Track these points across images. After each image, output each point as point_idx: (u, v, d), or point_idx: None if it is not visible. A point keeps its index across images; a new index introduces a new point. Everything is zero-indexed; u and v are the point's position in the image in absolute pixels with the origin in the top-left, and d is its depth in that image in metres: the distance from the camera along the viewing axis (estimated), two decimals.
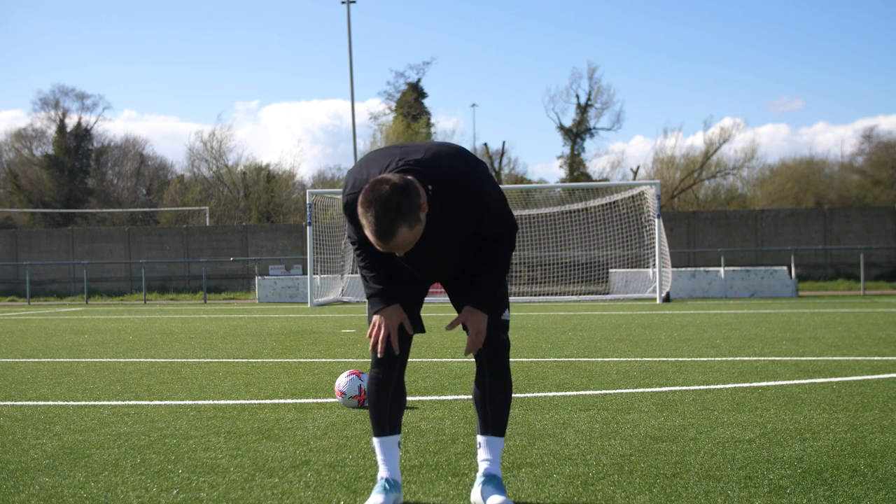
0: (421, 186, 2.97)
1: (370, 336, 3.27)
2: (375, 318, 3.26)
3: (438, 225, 3.07)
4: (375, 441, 3.42)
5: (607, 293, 23.12)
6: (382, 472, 3.37)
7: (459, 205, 3.06)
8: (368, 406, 3.42)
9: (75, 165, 50.97)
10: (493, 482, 3.31)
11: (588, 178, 46.95)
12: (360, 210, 2.89)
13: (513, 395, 5.76)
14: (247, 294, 28.37)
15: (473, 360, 3.43)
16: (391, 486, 3.32)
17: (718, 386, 6.13)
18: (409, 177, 2.95)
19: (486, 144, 50.84)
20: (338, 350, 9.19)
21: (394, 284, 3.28)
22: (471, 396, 3.45)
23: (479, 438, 3.43)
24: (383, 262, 3.29)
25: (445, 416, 5.11)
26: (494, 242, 3.26)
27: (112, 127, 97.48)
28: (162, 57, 79.51)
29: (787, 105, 74.01)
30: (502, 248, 3.28)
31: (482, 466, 3.38)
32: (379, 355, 3.27)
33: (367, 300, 3.31)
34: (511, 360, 7.82)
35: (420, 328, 3.41)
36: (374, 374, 3.39)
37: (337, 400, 5.55)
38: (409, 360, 7.86)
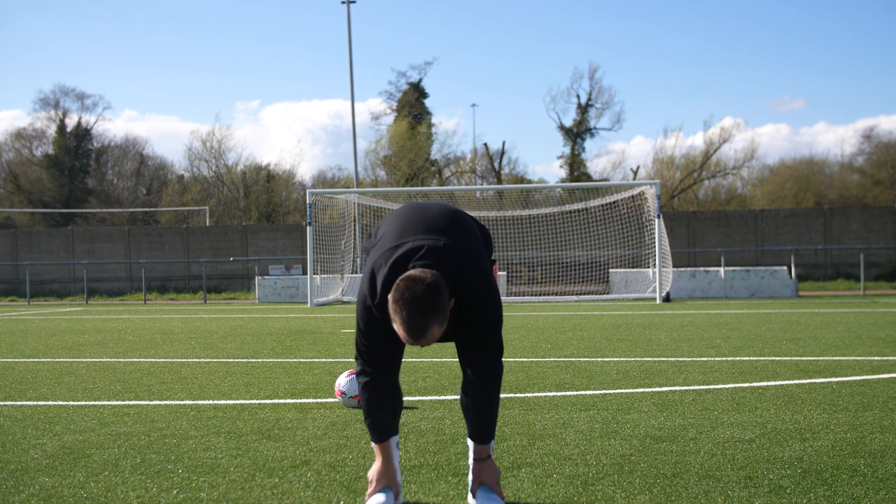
0: (445, 283, 3.03)
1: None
2: (372, 475, 3.33)
3: (451, 321, 3.17)
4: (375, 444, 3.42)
5: (607, 293, 23.12)
6: None
7: (473, 308, 3.17)
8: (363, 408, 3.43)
9: (75, 165, 50.97)
10: (483, 484, 3.32)
11: (588, 178, 46.94)
12: (391, 306, 2.96)
13: (510, 395, 5.79)
14: (247, 294, 28.38)
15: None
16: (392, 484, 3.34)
17: (718, 386, 6.13)
18: (437, 273, 3.02)
19: (486, 144, 50.81)
20: (338, 350, 9.19)
21: (389, 410, 3.34)
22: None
23: (469, 441, 3.44)
24: (383, 386, 3.32)
25: (445, 416, 5.11)
26: (485, 370, 3.28)
27: (112, 127, 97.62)
28: (162, 57, 79.59)
29: (789, 105, 74.08)
30: (494, 375, 3.30)
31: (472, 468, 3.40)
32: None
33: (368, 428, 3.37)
34: (511, 359, 7.83)
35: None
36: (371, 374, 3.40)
37: (337, 400, 5.55)
38: (410, 360, 7.86)
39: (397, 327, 2.97)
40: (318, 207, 22.80)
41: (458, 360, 3.47)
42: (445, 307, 2.97)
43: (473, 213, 23.02)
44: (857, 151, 46.22)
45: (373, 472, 3.35)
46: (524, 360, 7.92)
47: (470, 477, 3.38)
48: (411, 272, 3.00)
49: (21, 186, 50.01)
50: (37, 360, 8.79)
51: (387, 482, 3.32)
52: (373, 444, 3.38)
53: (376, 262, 3.21)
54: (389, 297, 2.98)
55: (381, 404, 3.32)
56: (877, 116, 73.86)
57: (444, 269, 3.09)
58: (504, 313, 15.86)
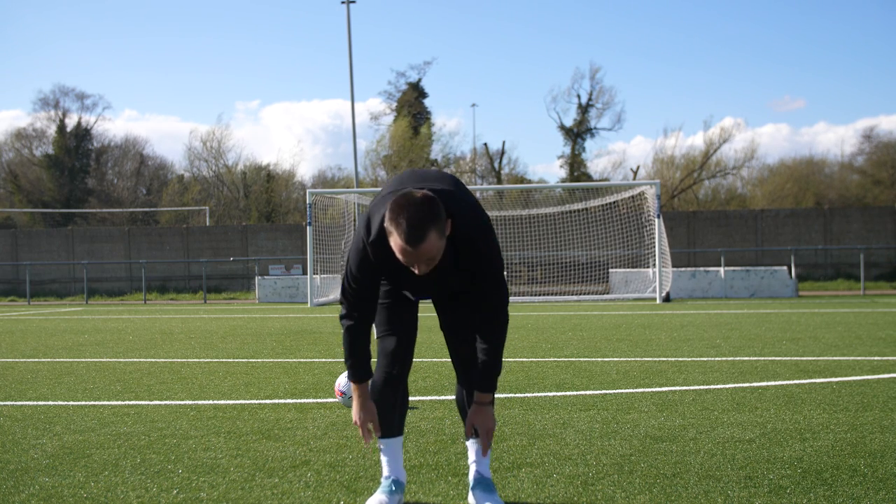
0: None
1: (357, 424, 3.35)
2: (354, 416, 3.31)
3: (446, 261, 3.12)
4: (381, 442, 3.41)
5: (607, 293, 23.11)
6: (387, 473, 3.37)
7: (467, 248, 3.12)
8: (376, 406, 3.42)
9: (75, 165, 50.97)
10: (482, 484, 3.32)
11: (588, 178, 46.95)
12: (388, 218, 2.90)
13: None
14: (247, 294, 28.38)
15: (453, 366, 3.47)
16: (397, 486, 3.33)
17: (718, 386, 6.13)
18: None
19: (485, 144, 50.81)
20: (338, 350, 9.19)
21: (369, 353, 3.33)
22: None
23: (467, 441, 3.43)
24: (365, 331, 3.31)
25: (445, 416, 5.11)
26: (490, 320, 3.25)
27: (112, 127, 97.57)
28: (162, 57, 79.59)
29: (790, 104, 74.06)
30: (499, 325, 3.26)
31: (471, 468, 3.39)
32: (365, 444, 3.33)
33: (346, 365, 3.35)
34: (511, 359, 7.84)
35: (412, 340, 3.45)
36: (383, 373, 3.39)
37: (337, 400, 5.55)
38: None
39: (395, 239, 2.90)
40: (318, 207, 22.80)
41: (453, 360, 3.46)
42: (443, 221, 2.92)
43: None
44: (857, 151, 46.29)
45: (354, 414, 3.32)
46: (524, 360, 7.92)
47: (467, 422, 3.31)
48: (408, 189, 2.99)
49: (21, 186, 50.01)
50: (37, 360, 8.79)
51: (368, 419, 3.29)
52: (351, 385, 3.36)
53: (374, 206, 3.20)
54: (386, 215, 2.92)
55: (361, 345, 3.29)
56: (877, 116, 73.92)
57: (444, 202, 3.05)
58: None
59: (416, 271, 2.98)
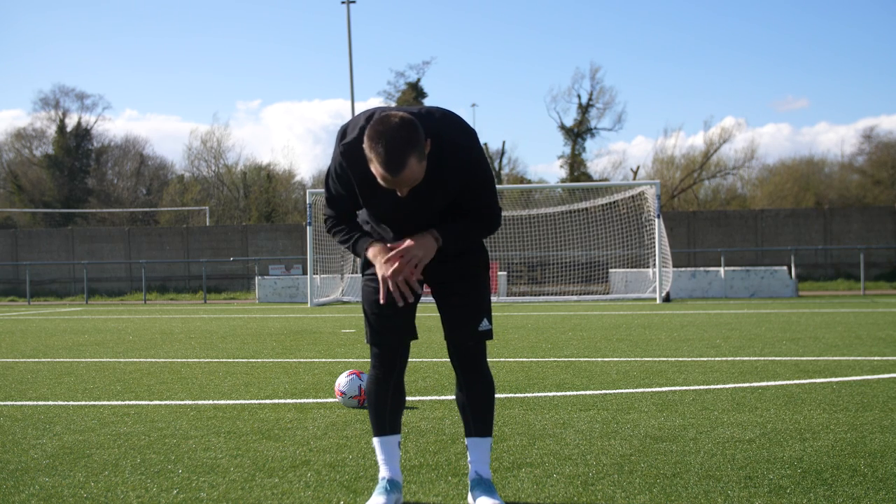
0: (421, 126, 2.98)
1: (382, 297, 3.15)
2: (379, 271, 3.15)
3: (431, 176, 3.07)
4: (376, 441, 3.41)
5: (607, 293, 23.11)
6: (383, 473, 3.36)
7: (455, 155, 3.08)
8: (368, 405, 3.42)
9: (75, 165, 50.95)
10: (482, 484, 3.30)
11: (589, 178, 46.96)
12: (367, 144, 2.89)
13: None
14: (247, 294, 28.37)
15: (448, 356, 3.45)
16: (392, 486, 3.32)
17: (718, 386, 6.13)
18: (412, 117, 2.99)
19: (485, 144, 50.82)
20: (338, 350, 9.19)
21: (363, 230, 3.31)
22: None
23: (467, 441, 3.43)
24: (356, 224, 3.32)
25: (445, 416, 5.11)
26: (478, 213, 3.24)
27: (112, 127, 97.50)
28: (162, 57, 79.57)
29: (792, 104, 74.04)
30: (483, 220, 3.24)
31: (470, 469, 3.38)
32: (400, 304, 3.17)
33: (353, 252, 3.29)
34: (511, 359, 7.84)
35: (414, 335, 3.42)
36: (375, 373, 3.40)
37: (337, 400, 5.55)
38: (410, 360, 7.86)
39: (375, 166, 2.89)
40: (318, 207, 22.76)
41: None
42: (422, 143, 2.90)
43: None
44: (857, 151, 46.34)
45: (381, 270, 3.14)
46: (524, 360, 7.92)
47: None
48: (385, 112, 2.96)
49: (21, 186, 50.01)
50: (37, 360, 8.79)
51: (399, 266, 3.10)
52: (369, 252, 3.22)
53: (349, 122, 3.17)
54: (365, 137, 2.90)
55: (357, 225, 3.31)
56: (878, 116, 73.92)
57: (423, 121, 3.03)
58: (504, 313, 15.61)
59: (400, 194, 2.98)
